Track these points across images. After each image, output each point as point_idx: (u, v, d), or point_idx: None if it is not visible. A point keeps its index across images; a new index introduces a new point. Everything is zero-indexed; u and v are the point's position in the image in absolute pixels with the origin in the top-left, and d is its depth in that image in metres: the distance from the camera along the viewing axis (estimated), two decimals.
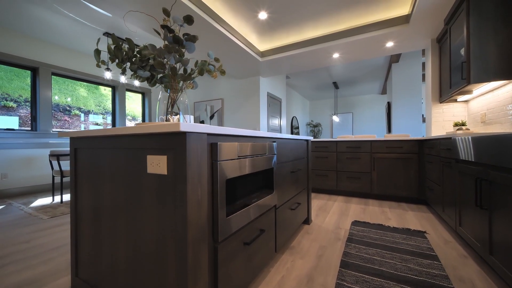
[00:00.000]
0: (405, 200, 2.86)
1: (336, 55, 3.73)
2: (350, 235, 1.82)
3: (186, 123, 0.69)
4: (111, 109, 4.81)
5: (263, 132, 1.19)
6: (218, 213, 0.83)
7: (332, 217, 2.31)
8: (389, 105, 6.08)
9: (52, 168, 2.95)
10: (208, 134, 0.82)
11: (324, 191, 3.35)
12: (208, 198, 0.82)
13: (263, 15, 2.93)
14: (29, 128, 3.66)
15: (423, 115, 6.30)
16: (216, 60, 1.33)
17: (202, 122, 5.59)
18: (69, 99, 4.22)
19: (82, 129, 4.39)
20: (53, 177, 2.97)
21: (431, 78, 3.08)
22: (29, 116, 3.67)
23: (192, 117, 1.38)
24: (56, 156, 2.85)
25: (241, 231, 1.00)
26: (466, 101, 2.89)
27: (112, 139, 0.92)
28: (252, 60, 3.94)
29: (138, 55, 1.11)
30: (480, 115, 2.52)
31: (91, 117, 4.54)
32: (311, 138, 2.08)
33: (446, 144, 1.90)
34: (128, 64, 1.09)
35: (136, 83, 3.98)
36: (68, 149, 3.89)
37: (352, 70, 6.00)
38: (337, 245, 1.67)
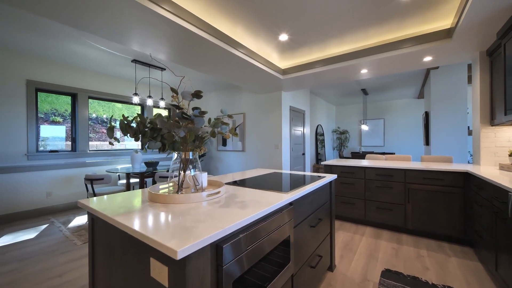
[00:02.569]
0: (447, 239, 2.52)
1: (364, 71, 3.45)
2: None
3: (186, 247, 0.63)
4: None
5: (278, 202, 1.09)
6: None
7: (359, 260, 2.11)
8: (426, 115, 5.49)
9: (87, 190, 3.18)
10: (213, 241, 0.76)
11: (350, 219, 3.11)
12: None
13: (283, 37, 2.81)
14: (70, 149, 4.02)
15: (469, 127, 5.58)
16: (229, 116, 1.28)
17: None
18: (104, 116, 4.57)
19: (118, 137, 4.71)
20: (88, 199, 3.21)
21: (480, 96, 2.67)
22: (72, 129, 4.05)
23: (205, 174, 1.33)
24: (90, 180, 3.07)
25: None
26: None
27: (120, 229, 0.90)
28: (273, 78, 3.83)
29: (150, 125, 1.10)
30: None
31: None
32: (334, 177, 1.92)
33: (500, 194, 1.60)
34: (140, 136, 1.08)
35: (162, 104, 4.14)
36: (101, 173, 4.19)
37: (383, 77, 5.55)
38: None
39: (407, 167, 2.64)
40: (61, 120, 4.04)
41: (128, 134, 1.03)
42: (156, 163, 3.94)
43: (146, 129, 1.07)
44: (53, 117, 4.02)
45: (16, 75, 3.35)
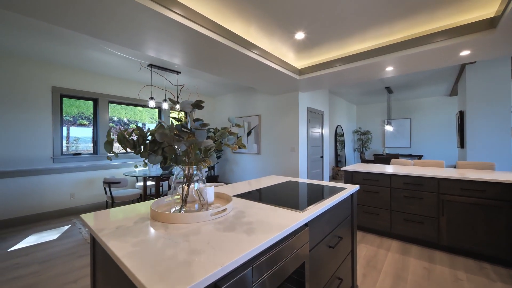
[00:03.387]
0: (490, 259, 2.19)
1: (390, 69, 3.16)
2: None
3: None
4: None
5: (292, 225, 0.95)
6: None
7: (385, 282, 1.89)
8: (461, 114, 4.98)
9: (106, 193, 3.26)
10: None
11: (374, 231, 2.86)
12: None
13: (300, 35, 2.64)
14: (92, 152, 4.18)
15: None
16: (238, 125, 1.16)
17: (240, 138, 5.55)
18: (126, 119, 4.74)
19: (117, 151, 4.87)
20: (106, 202, 3.29)
21: None
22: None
23: (212, 188, 1.23)
24: (108, 183, 3.14)
25: None
26: None
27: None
28: (289, 79, 3.66)
29: (151, 137, 1.02)
30: None
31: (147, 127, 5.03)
32: (357, 188, 1.72)
33: None
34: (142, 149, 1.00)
35: (178, 107, 4.15)
36: (119, 176, 4.30)
37: (410, 74, 5.12)
38: None
39: (441, 176, 2.35)
40: (87, 123, 4.25)
41: (127, 148, 0.96)
42: (172, 166, 3.96)
43: (147, 142, 0.99)
44: (80, 120, 4.23)
45: (42, 83, 3.53)
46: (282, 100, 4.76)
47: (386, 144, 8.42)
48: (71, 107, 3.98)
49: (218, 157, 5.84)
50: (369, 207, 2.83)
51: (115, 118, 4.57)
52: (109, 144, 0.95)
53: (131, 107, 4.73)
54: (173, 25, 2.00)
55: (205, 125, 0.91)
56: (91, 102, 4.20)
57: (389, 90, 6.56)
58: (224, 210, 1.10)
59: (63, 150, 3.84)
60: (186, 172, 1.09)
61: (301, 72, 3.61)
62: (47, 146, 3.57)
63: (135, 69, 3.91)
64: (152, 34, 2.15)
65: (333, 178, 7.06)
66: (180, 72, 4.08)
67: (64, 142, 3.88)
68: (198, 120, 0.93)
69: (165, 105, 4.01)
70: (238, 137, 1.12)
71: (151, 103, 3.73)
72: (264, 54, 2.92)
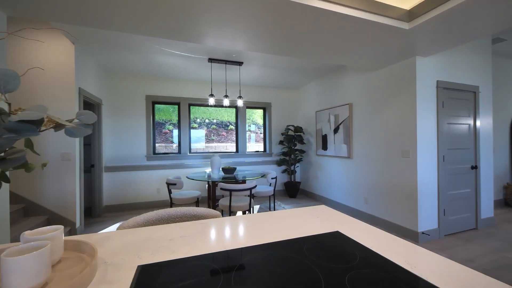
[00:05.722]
0: None
1: None
2: None
3: None
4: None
5: None
6: None
7: None
8: None
9: (169, 194, 3.27)
10: None
11: None
12: None
13: None
14: (176, 151, 4.54)
15: None
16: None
17: (325, 136, 4.28)
18: (198, 120, 4.90)
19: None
20: (170, 202, 3.31)
21: None
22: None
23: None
24: (167, 184, 3.12)
25: None
26: None
27: None
28: (392, 34, 2.12)
29: None
30: None
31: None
32: None
33: None
34: None
35: (240, 103, 3.66)
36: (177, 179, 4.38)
37: None
38: None
39: None
40: (196, 126, 4.73)
41: None
42: (233, 170, 3.50)
43: None
44: (193, 124, 4.77)
45: (138, 93, 4.15)
46: (385, 76, 3.08)
47: None
48: (193, 113, 4.56)
49: (299, 160, 4.84)
50: None
51: (198, 120, 4.78)
52: None
53: (210, 108, 4.78)
54: None
55: None
56: (176, 106, 4.57)
57: None
58: None
59: (156, 150, 4.39)
60: None
61: (411, 14, 1.98)
62: (142, 146, 4.17)
63: (197, 67, 3.77)
64: (206, 12, 1.77)
65: (506, 204, 4.05)
66: (242, 63, 3.55)
67: (157, 144, 4.43)
68: None
69: (240, 103, 3.62)
70: None
71: (211, 101, 3.45)
72: None
